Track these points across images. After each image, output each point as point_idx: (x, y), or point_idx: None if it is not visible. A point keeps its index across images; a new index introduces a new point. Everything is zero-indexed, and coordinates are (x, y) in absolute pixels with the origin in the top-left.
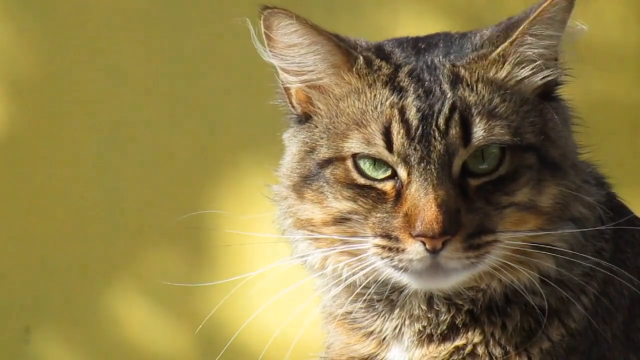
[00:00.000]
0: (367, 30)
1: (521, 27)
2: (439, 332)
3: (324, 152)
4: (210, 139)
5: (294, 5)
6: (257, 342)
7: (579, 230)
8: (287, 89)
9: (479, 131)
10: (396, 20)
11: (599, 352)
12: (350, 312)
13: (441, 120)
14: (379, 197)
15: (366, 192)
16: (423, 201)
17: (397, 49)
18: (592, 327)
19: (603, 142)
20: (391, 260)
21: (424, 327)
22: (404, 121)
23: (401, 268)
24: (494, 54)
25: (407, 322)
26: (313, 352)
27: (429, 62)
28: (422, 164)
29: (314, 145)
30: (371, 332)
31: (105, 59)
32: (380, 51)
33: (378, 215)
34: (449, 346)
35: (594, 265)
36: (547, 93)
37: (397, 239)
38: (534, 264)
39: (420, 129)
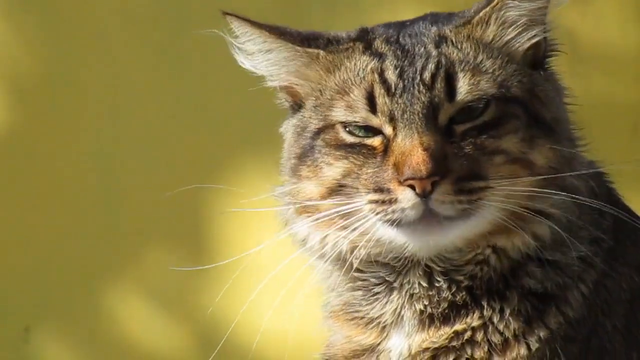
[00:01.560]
0: None
1: None
2: (440, 310)
3: (314, 125)
4: (210, 138)
5: (294, 5)
6: (257, 339)
7: (572, 198)
8: (274, 87)
9: (463, 86)
10: (396, 20)
11: (598, 343)
12: (350, 302)
13: (426, 75)
14: (369, 152)
15: (357, 150)
16: (409, 147)
17: (380, 27)
18: (591, 317)
19: (603, 142)
20: (385, 213)
21: (425, 306)
22: (384, 81)
23: (395, 221)
24: (476, 18)
25: (407, 304)
26: (312, 351)
27: (414, 31)
28: (406, 115)
29: (305, 124)
30: (371, 320)
31: (105, 59)
32: (361, 32)
33: (369, 170)
34: (448, 330)
35: (592, 253)
36: (538, 62)
37: (388, 191)
38: (529, 229)
39: (400, 84)
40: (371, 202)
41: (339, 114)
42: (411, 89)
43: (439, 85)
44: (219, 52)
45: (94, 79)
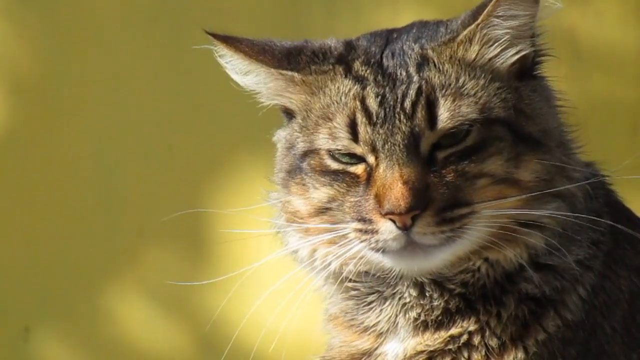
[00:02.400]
0: (367, 30)
1: (486, 10)
2: (432, 318)
3: (301, 146)
4: (210, 138)
5: (294, 5)
6: (256, 339)
7: (567, 206)
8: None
9: (444, 113)
10: (396, 20)
11: (597, 346)
12: (346, 311)
13: (407, 104)
14: (352, 180)
15: (341, 177)
16: (389, 180)
17: (364, 41)
18: (590, 319)
19: (602, 141)
20: (369, 242)
21: (419, 314)
22: (365, 110)
23: (379, 249)
24: (460, 36)
25: (400, 312)
26: (312, 353)
27: (397, 49)
28: (387, 146)
29: (293, 141)
30: (367, 327)
31: (105, 58)
32: (346, 48)
33: (352, 199)
34: (444, 334)
35: (590, 255)
36: (526, 71)
37: (370, 221)
38: (521, 241)
39: (382, 113)
40: (355, 230)
41: (323, 141)
42: (392, 118)
43: (420, 114)
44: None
45: (94, 79)
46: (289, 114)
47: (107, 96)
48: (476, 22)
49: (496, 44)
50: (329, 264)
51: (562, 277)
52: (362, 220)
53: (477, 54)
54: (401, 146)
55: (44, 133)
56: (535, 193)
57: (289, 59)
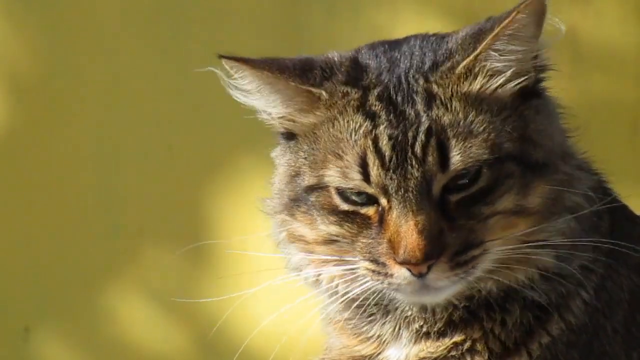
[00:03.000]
0: (366, 30)
1: (484, 42)
2: (435, 329)
3: (307, 179)
4: (210, 138)
5: (294, 5)
6: (258, 339)
7: (574, 216)
8: (267, 114)
9: (456, 156)
10: (396, 20)
11: (600, 347)
12: (348, 319)
13: (417, 148)
14: (364, 222)
15: (351, 218)
16: (404, 228)
17: (371, 62)
18: (592, 321)
19: (603, 141)
20: (381, 282)
21: (421, 326)
22: (378, 151)
23: (392, 289)
24: (460, 67)
25: (402, 324)
26: (314, 355)
27: (402, 78)
28: (400, 192)
29: (298, 169)
30: (370, 337)
31: (105, 58)
32: (353, 67)
33: (364, 240)
34: (447, 342)
35: (592, 258)
36: (529, 92)
37: (384, 265)
38: (533, 262)
39: (394, 158)
40: (367, 269)
41: (333, 179)
42: (404, 162)
43: (431, 157)
44: (220, 50)
45: (94, 79)
46: (290, 133)
47: (107, 96)
48: (475, 54)
49: (499, 75)
50: (336, 286)
51: (567, 282)
52: (375, 261)
53: (481, 86)
54: (414, 192)
55: (44, 133)
56: (544, 223)
57: (306, 73)
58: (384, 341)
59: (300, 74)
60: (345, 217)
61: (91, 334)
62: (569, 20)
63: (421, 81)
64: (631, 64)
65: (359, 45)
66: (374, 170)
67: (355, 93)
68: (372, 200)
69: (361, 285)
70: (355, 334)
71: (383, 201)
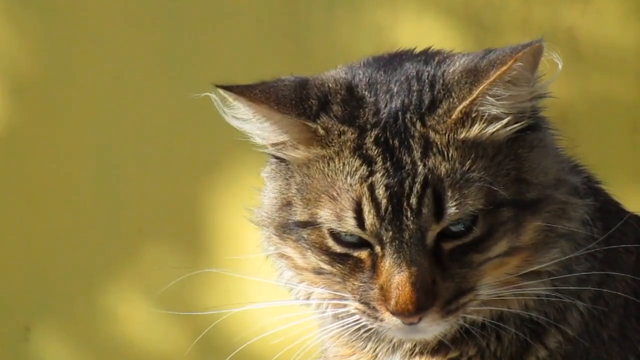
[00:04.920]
0: (366, 30)
1: (480, 87)
2: (428, 349)
3: (299, 214)
4: (210, 138)
5: (294, 4)
6: (258, 341)
7: (572, 248)
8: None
9: (451, 207)
10: (396, 20)
11: (597, 355)
12: (341, 334)
13: (413, 200)
14: (356, 264)
15: (343, 260)
16: (397, 279)
17: (367, 93)
18: (589, 329)
19: (603, 142)
20: (372, 323)
21: (414, 346)
22: (374, 200)
23: (382, 329)
24: (456, 112)
25: (396, 343)
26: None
27: (400, 119)
28: (395, 243)
29: (290, 200)
30: (365, 350)
31: (105, 58)
32: (348, 99)
33: (356, 283)
34: (442, 359)
35: (587, 268)
36: (523, 131)
37: (375, 309)
38: (526, 292)
39: (390, 208)
40: (357, 309)
41: (327, 220)
42: (399, 213)
43: (426, 209)
44: (219, 52)
45: (94, 79)
46: (282, 159)
47: (107, 96)
48: (471, 99)
49: (496, 121)
50: (326, 308)
51: (563, 297)
52: (367, 304)
53: (479, 132)
54: (409, 244)
55: (43, 133)
56: (538, 246)
57: (303, 103)
58: (378, 356)
59: (296, 104)
60: (337, 258)
61: (91, 333)
62: (569, 20)
63: (418, 125)
64: (631, 64)
65: (352, 63)
66: (369, 219)
67: (352, 134)
68: (365, 244)
69: (351, 316)
70: (350, 346)
71: (377, 248)
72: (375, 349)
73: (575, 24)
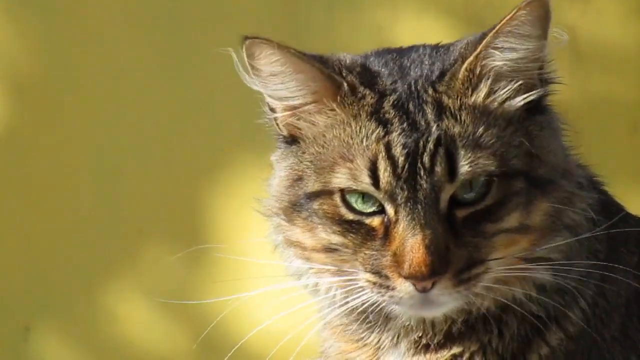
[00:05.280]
0: (366, 30)
1: (485, 40)
2: (435, 342)
3: (311, 185)
4: (210, 139)
5: (294, 4)
6: (257, 339)
7: (572, 234)
8: (273, 110)
9: (464, 166)
10: (396, 20)
11: (598, 354)
12: (347, 325)
13: (426, 158)
14: (368, 233)
15: (355, 228)
16: (411, 242)
17: (383, 69)
18: (591, 328)
19: (603, 142)
20: (382, 295)
21: (420, 337)
22: (390, 157)
23: (392, 302)
24: (462, 69)
25: (401, 333)
26: (309, 357)
27: (413, 87)
28: (409, 204)
29: (301, 174)
30: (369, 343)
31: (105, 58)
32: (365, 73)
33: (367, 252)
34: (445, 354)
35: (590, 267)
36: (533, 108)
37: (387, 277)
38: (529, 278)
39: (406, 166)
40: (368, 281)
41: (341, 180)
42: (414, 173)
43: (439, 168)
44: (219, 52)
45: (94, 79)
46: (292, 138)
47: (107, 96)
48: (475, 53)
49: (504, 81)
50: (334, 296)
51: (565, 292)
52: (378, 273)
53: (487, 94)
54: (423, 204)
55: (44, 133)
56: (544, 242)
57: (328, 64)
58: (382, 348)
59: (323, 62)
60: (349, 227)
61: (91, 333)
62: (569, 19)
63: (430, 91)
64: (631, 64)
65: (364, 52)
66: (385, 176)
67: (371, 98)
68: (378, 210)
69: (360, 296)
70: (353, 339)
71: (390, 211)
72: (379, 340)
73: (575, 24)
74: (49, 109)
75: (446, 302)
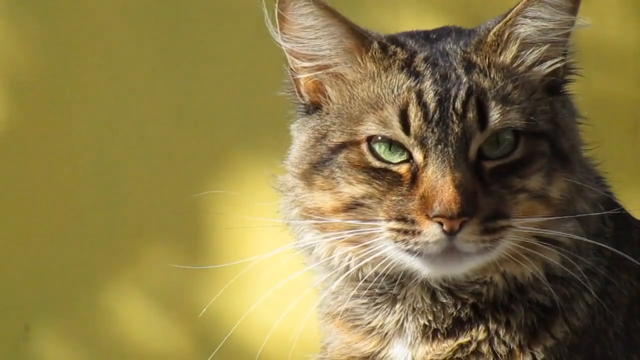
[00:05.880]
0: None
1: (514, 9)
2: (444, 326)
3: (337, 137)
4: (210, 138)
5: None
6: (256, 337)
7: (581, 223)
8: (296, 79)
9: (495, 115)
10: (397, 20)
11: (602, 351)
12: (351, 309)
13: (458, 104)
14: (395, 180)
15: (381, 175)
16: (440, 182)
17: (409, 40)
18: (595, 324)
19: (603, 141)
20: (406, 243)
21: (430, 321)
22: (422, 104)
23: (415, 252)
24: (491, 34)
25: (410, 316)
26: (310, 352)
27: (442, 50)
28: (440, 146)
29: (325, 131)
30: (372, 329)
31: (105, 58)
32: (393, 39)
33: (393, 198)
34: (452, 343)
35: (596, 262)
36: (555, 87)
37: (413, 222)
38: (540, 258)
39: (437, 111)
40: (392, 230)
41: (370, 127)
42: (446, 119)
43: (471, 114)
44: (219, 51)
45: (94, 78)
46: (314, 104)
47: (107, 96)
48: (504, 20)
49: (531, 48)
50: (348, 264)
51: (571, 285)
52: (403, 219)
53: (515, 56)
54: (454, 148)
55: (44, 133)
56: (559, 217)
57: (358, 27)
58: (386, 334)
59: (353, 23)
60: (375, 174)
61: (91, 333)
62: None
63: (459, 51)
64: (631, 64)
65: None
66: (415, 122)
67: (403, 54)
68: (405, 160)
69: (377, 252)
70: (356, 326)
71: (418, 157)
72: (383, 324)
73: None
74: (49, 109)
75: (471, 253)
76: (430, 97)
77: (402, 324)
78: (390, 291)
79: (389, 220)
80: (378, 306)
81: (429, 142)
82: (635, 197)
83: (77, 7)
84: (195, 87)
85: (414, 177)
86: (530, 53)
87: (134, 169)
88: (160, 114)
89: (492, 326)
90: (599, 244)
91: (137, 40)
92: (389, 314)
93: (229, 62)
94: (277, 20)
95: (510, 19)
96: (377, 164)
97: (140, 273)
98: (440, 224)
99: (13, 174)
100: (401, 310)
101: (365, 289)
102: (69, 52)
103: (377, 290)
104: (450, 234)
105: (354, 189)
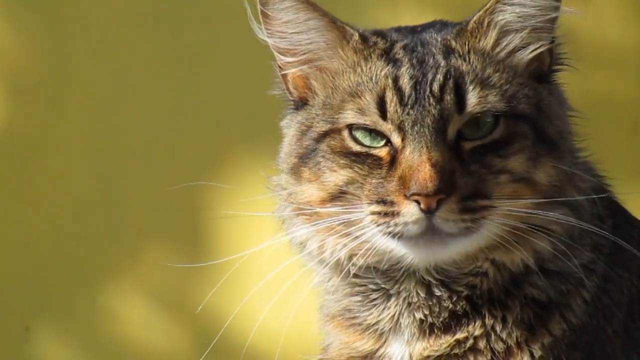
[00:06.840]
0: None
1: None
2: (440, 320)
3: (320, 127)
4: (209, 137)
5: None
6: (255, 335)
7: (572, 213)
8: (284, 76)
9: (472, 98)
10: (396, 20)
11: (600, 349)
12: (348, 308)
13: (435, 87)
14: (375, 163)
15: (362, 159)
16: (417, 162)
17: (394, 32)
18: (593, 322)
19: (603, 142)
20: (387, 225)
21: (426, 315)
22: (397, 89)
23: (397, 234)
24: (471, 22)
25: (405, 311)
26: (307, 350)
27: (423, 39)
28: (416, 127)
29: (310, 124)
30: (369, 326)
31: (105, 58)
32: (376, 31)
33: (374, 181)
34: (449, 339)
35: (593, 259)
36: (543, 75)
37: (392, 203)
38: (529, 244)
39: (413, 95)
40: (373, 213)
41: (349, 115)
42: (422, 101)
43: (448, 97)
44: (219, 51)
45: (94, 79)
46: (302, 99)
47: (107, 96)
48: (485, 8)
49: (513, 34)
50: (339, 257)
51: (567, 280)
52: (383, 202)
53: (495, 41)
54: (430, 129)
55: (44, 133)
56: (547, 200)
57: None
58: (383, 332)
59: (333, 17)
60: (356, 158)
61: (91, 333)
62: (569, 20)
63: (439, 38)
64: (631, 64)
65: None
66: (392, 106)
67: (383, 44)
68: (385, 143)
69: (365, 235)
70: (353, 324)
71: (397, 140)
72: (379, 320)
73: (576, 25)
74: (49, 109)
75: (453, 234)
76: (405, 81)
77: (398, 319)
78: (384, 286)
79: (371, 203)
80: (373, 302)
81: (406, 124)
82: (635, 197)
83: (77, 7)
84: (196, 87)
85: (393, 159)
86: (512, 39)
87: (133, 169)
88: (160, 114)
89: (488, 322)
90: (594, 229)
91: (138, 41)
92: (383, 309)
93: (229, 62)
94: (260, 16)
95: (490, 6)
96: (357, 148)
97: (140, 273)
98: (418, 202)
99: (13, 174)
100: (396, 306)
101: (359, 285)
102: (69, 53)
103: (371, 287)
104: (428, 212)
105: (337, 175)
